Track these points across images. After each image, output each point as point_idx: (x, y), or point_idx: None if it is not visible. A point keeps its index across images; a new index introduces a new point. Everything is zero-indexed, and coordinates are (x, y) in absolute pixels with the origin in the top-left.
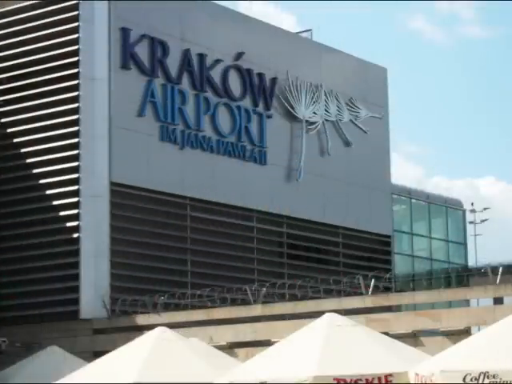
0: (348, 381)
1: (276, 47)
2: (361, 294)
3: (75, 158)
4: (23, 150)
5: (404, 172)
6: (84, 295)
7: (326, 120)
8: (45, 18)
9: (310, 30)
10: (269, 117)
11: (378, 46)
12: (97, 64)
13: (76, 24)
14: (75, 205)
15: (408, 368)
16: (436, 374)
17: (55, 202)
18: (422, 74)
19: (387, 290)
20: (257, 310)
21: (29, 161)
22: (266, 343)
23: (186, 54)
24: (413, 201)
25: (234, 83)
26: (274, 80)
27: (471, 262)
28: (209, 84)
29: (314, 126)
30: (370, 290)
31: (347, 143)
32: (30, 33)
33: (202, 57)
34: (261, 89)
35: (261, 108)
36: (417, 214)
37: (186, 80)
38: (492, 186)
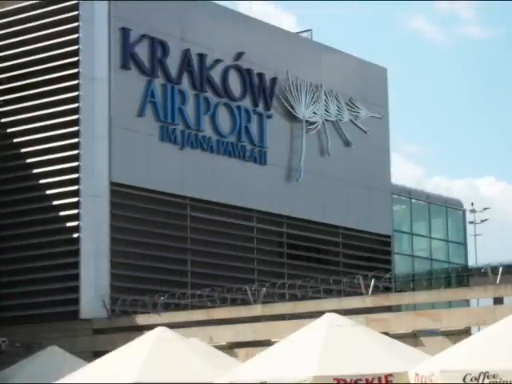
0: (348, 381)
1: (276, 47)
2: (361, 293)
3: (75, 158)
4: (23, 150)
5: (404, 172)
6: (84, 295)
7: (326, 120)
8: (45, 18)
9: (310, 30)
10: (269, 117)
11: (378, 46)
12: (97, 64)
13: (76, 24)
14: (75, 205)
15: (408, 368)
16: (436, 374)
17: (55, 202)
18: (421, 74)
19: (387, 289)
20: (257, 310)
21: (29, 161)
22: (266, 343)
23: (186, 54)
24: (413, 201)
25: (234, 83)
26: (274, 80)
27: (471, 262)
28: (209, 84)
29: (314, 126)
30: (370, 289)
31: (347, 143)
32: (30, 33)
33: (201, 57)
34: (261, 89)
35: (261, 108)
36: (417, 214)
37: (185, 80)
38: (492, 186)
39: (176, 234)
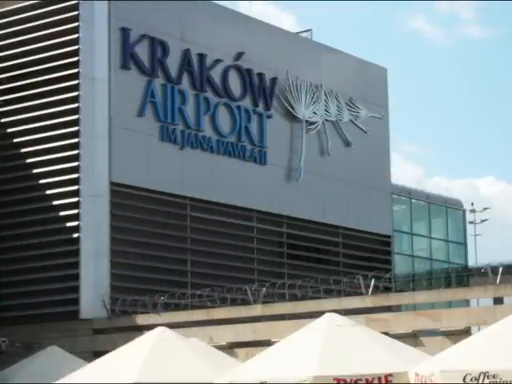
0: (348, 381)
1: (276, 47)
2: (361, 294)
3: (75, 158)
4: (23, 150)
5: (404, 172)
6: (84, 295)
7: (326, 120)
8: (45, 18)
9: (310, 30)
10: (269, 117)
11: (378, 46)
12: (97, 64)
13: (76, 24)
14: (75, 205)
15: (408, 368)
16: (436, 374)
17: (55, 202)
18: (421, 74)
19: (387, 289)
20: (257, 310)
21: (29, 161)
22: (266, 343)
23: (186, 54)
24: (413, 201)
25: (234, 83)
26: (274, 80)
27: (471, 262)
28: (209, 84)
29: (314, 126)
30: (370, 289)
31: (347, 143)
32: (30, 33)
33: (202, 57)
34: (261, 89)
35: (261, 108)
36: (417, 214)
37: (185, 80)
38: (492, 186)
39: (176, 234)
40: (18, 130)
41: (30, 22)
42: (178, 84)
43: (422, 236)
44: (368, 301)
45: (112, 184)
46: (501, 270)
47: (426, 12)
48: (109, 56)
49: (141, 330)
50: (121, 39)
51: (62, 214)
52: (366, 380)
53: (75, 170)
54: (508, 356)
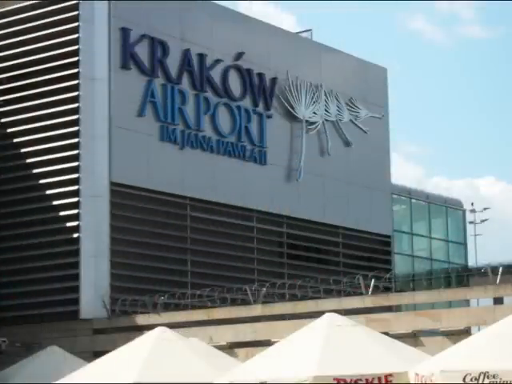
0: (348, 381)
1: (276, 47)
2: (361, 294)
3: (75, 158)
4: (23, 150)
5: (404, 172)
6: (84, 295)
7: (326, 120)
8: (45, 18)
9: (310, 30)
10: (269, 117)
11: (378, 46)
12: (97, 64)
13: (76, 24)
14: (75, 205)
15: (408, 368)
16: (436, 374)
17: (55, 202)
18: (421, 74)
19: (387, 290)
20: (257, 310)
21: (29, 161)
22: (266, 343)
23: (186, 54)
24: (413, 201)
25: (234, 83)
26: (274, 80)
27: (471, 262)
28: (209, 84)
29: (314, 126)
30: (370, 289)
31: (347, 143)
32: (30, 33)
33: (202, 57)
34: (261, 89)
35: (261, 108)
36: (417, 214)
37: (185, 80)
38: (492, 186)
39: (176, 234)
40: (18, 130)
41: (30, 21)
42: (177, 84)
43: (422, 236)
44: (368, 301)
45: (112, 184)
46: (501, 270)
47: (426, 12)
48: (109, 56)
49: (141, 330)
50: (121, 39)
51: (62, 214)
52: (366, 380)
53: (75, 170)
54: (508, 356)
